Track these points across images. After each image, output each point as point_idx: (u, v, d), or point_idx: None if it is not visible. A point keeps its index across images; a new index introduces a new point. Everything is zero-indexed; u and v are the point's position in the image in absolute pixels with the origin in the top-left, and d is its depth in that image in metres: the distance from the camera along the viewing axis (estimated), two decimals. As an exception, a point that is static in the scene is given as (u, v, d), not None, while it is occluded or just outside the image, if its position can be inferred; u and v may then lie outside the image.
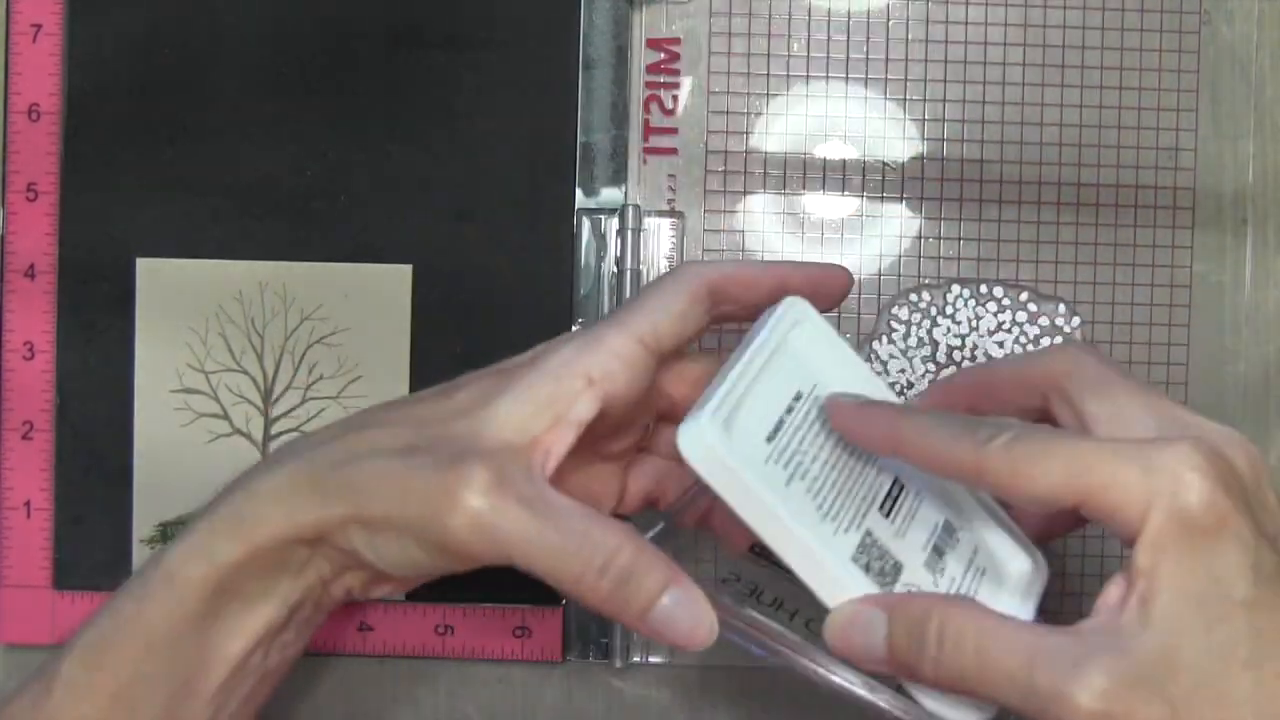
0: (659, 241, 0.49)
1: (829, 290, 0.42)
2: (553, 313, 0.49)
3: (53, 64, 0.49)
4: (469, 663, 0.50)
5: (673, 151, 0.50)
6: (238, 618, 0.40)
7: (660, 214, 0.50)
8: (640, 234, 0.49)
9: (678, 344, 0.40)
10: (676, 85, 0.50)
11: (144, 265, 0.50)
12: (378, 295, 0.49)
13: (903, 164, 0.49)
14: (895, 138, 0.50)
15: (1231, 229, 0.50)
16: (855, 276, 0.43)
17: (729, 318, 0.42)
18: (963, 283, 0.49)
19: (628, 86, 0.50)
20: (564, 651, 0.50)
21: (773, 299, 0.41)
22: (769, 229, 0.50)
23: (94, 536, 0.50)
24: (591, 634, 0.50)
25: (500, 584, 0.45)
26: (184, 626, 0.39)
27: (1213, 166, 0.50)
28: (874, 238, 0.50)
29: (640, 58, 0.50)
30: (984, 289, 0.49)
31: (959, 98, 0.49)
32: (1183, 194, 0.50)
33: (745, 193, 0.50)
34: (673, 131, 0.50)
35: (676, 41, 0.50)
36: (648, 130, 0.50)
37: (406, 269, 0.49)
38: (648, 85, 0.50)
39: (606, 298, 0.49)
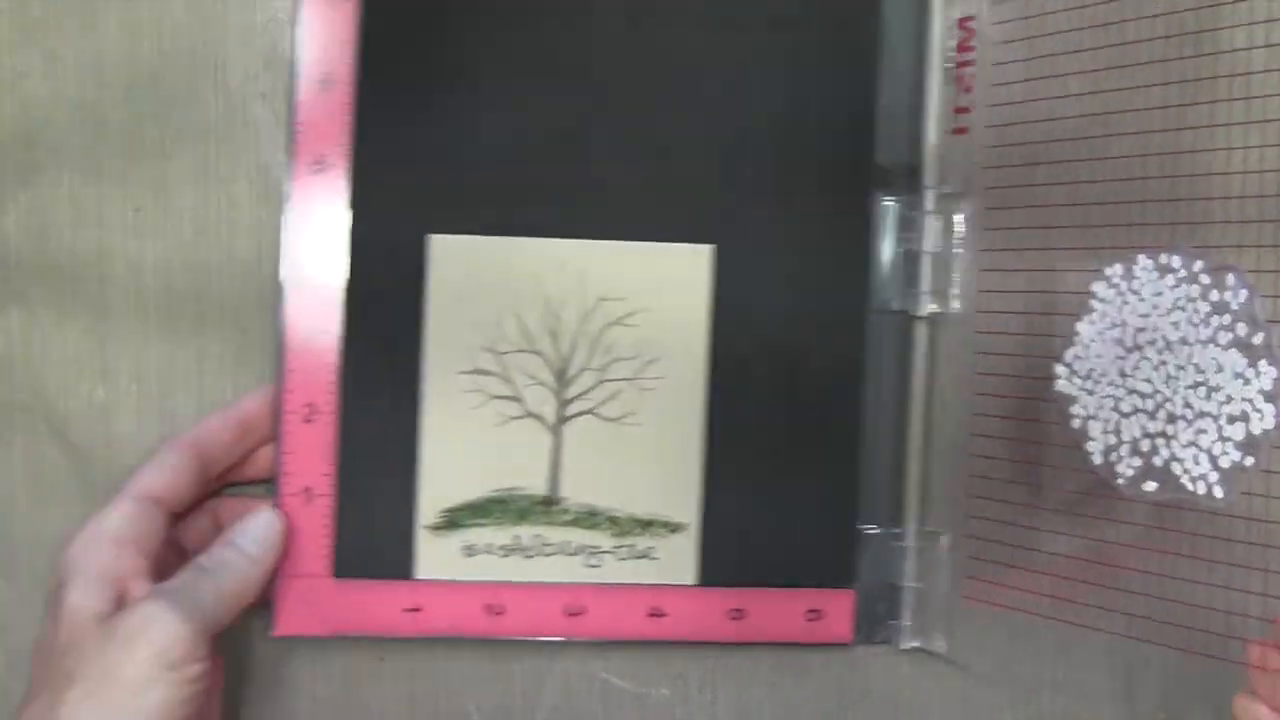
0: (948, 225, 0.50)
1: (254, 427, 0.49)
2: (849, 295, 0.50)
3: (346, 31, 0.47)
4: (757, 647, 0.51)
5: (964, 131, 0.50)
6: None
7: (948, 196, 0.50)
8: (935, 217, 0.50)
9: (184, 504, 0.47)
10: (971, 64, 0.49)
11: (437, 242, 0.48)
12: (676, 276, 0.49)
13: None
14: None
15: (1230, 228, 0.50)
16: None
17: (231, 472, 0.49)
18: (1148, 251, 0.48)
19: (925, 66, 0.50)
20: (854, 633, 0.51)
21: (239, 443, 0.48)
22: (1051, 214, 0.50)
23: (376, 524, 0.48)
24: (879, 616, 0.51)
25: (790, 566, 0.48)
26: None
27: (1206, 165, 0.50)
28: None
29: (939, 37, 0.50)
30: (1164, 258, 0.48)
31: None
32: None
33: (1029, 185, 0.49)
34: (965, 110, 0.50)
35: (971, 20, 0.50)
36: (945, 111, 0.50)
37: (706, 250, 0.49)
38: (945, 65, 0.50)
39: (901, 281, 0.50)
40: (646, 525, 0.49)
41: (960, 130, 0.50)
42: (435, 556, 0.48)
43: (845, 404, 0.50)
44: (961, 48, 0.50)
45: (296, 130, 0.47)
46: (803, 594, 0.50)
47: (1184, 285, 0.45)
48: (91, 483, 0.50)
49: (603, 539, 0.49)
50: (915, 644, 0.51)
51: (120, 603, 0.43)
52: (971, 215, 0.50)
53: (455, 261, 0.48)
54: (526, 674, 0.51)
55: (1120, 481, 0.45)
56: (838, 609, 0.50)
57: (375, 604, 0.48)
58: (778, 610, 0.50)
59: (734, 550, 0.49)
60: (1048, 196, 0.49)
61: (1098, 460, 0.46)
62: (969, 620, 0.50)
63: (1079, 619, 0.46)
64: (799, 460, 0.49)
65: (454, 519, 0.48)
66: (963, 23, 0.50)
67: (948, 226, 0.50)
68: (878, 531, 0.50)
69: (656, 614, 0.49)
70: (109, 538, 0.44)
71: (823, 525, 0.50)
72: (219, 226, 0.50)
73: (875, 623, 0.51)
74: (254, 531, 0.46)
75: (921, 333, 0.50)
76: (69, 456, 0.50)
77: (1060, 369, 0.47)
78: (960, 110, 0.50)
